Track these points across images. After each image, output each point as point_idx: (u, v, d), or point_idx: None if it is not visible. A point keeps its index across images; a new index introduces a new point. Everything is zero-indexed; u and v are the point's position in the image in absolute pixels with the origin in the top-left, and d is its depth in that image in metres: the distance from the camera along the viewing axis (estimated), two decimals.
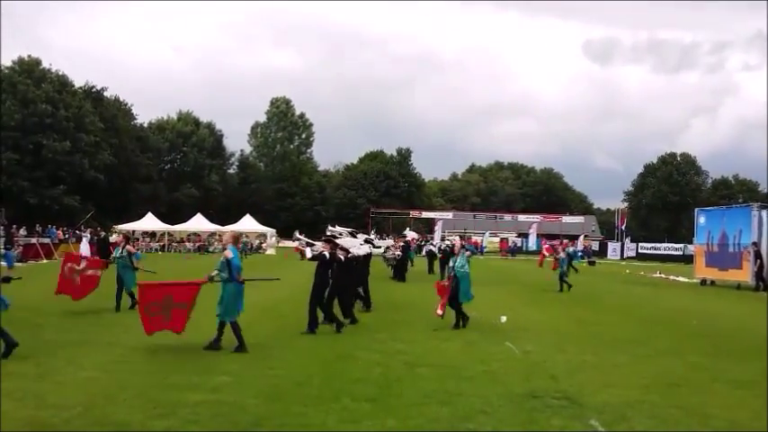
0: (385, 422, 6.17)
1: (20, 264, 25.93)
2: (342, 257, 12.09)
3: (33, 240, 35.60)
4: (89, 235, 34.43)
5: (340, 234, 14.86)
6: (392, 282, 23.35)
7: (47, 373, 7.63)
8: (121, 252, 13.54)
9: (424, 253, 33.79)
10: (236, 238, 10.53)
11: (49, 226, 42.94)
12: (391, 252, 24.80)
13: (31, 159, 51.45)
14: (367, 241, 15.84)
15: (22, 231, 38.94)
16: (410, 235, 31.23)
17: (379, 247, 16.75)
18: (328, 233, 14.99)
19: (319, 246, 11.83)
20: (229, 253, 9.58)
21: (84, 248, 28.59)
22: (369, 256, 15.22)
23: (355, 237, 15.68)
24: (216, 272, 9.59)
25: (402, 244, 26.36)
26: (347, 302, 12.73)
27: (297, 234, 19.40)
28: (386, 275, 24.52)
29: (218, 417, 6.13)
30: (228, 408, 6.43)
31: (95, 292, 13.58)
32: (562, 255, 22.68)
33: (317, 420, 6.15)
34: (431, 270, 27.75)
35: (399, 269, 24.60)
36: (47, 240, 36.66)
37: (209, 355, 9.06)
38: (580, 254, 57.63)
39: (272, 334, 9.57)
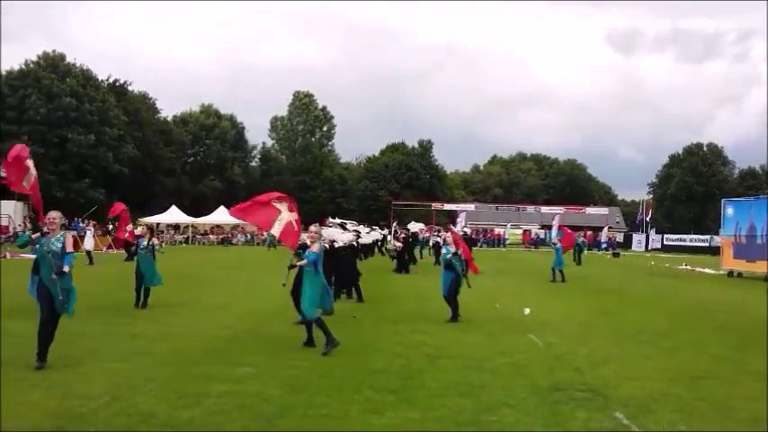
0: (407, 413, 6.17)
1: None
2: (326, 246, 12.22)
3: None
4: (92, 228, 34.35)
5: (330, 225, 15.00)
6: (397, 274, 23.40)
7: (73, 364, 7.73)
8: (147, 244, 13.49)
9: (431, 244, 33.85)
10: (319, 233, 10.16)
11: (75, 219, 43.53)
12: (392, 244, 24.86)
13: (57, 153, 52.12)
14: (355, 232, 16.02)
15: None
16: (415, 227, 30.88)
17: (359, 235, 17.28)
18: (328, 224, 15.16)
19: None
20: (317, 246, 9.41)
21: (89, 244, 28.33)
22: (356, 246, 15.37)
23: (345, 228, 15.86)
24: (296, 257, 9.47)
25: (403, 236, 26.37)
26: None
27: None
28: (391, 267, 24.69)
29: (242, 407, 6.19)
30: (252, 398, 6.48)
31: (116, 285, 13.79)
32: (559, 244, 22.68)
33: (339, 411, 6.17)
34: (437, 262, 27.84)
35: (401, 261, 24.69)
36: (73, 233, 37.01)
37: (233, 346, 9.13)
38: (604, 245, 57.38)
39: (293, 326, 9.60)
